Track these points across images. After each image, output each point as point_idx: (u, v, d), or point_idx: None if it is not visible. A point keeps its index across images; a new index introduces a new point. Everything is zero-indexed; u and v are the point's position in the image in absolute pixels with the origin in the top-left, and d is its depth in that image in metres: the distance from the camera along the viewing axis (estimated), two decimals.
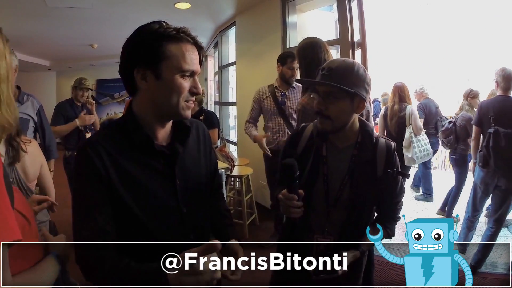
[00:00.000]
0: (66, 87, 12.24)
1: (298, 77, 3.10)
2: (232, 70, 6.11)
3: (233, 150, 5.71)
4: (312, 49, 2.09)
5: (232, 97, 6.22)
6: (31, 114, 2.53)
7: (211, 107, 7.19)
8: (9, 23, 5.47)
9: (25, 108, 2.50)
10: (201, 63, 1.02)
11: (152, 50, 0.94)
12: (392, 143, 1.37)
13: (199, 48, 1.00)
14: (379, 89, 7.05)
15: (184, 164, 1.05)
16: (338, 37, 3.61)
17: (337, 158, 1.35)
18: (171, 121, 1.05)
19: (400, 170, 1.35)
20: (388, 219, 1.39)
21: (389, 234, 1.36)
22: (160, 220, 0.98)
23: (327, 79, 1.24)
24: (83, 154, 0.93)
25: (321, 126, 1.31)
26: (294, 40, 4.19)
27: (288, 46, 4.12)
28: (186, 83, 0.96)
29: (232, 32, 5.72)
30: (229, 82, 6.40)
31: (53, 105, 3.48)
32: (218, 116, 6.05)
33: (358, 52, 3.45)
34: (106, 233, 0.90)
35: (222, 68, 6.17)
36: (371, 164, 1.33)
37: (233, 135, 6.52)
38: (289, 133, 3.05)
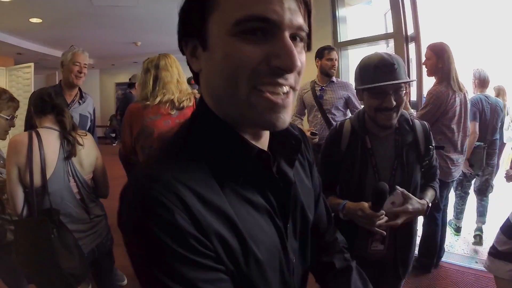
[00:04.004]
0: (110, 84, 12.64)
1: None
2: None
3: None
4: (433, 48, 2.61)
5: None
6: (90, 111, 2.62)
7: None
8: (55, 21, 5.60)
9: (87, 106, 2.59)
10: (310, 25, 0.56)
11: (198, 2, 0.53)
12: (426, 123, 1.45)
13: None
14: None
15: (295, 196, 0.66)
16: (392, 31, 3.47)
17: (381, 147, 1.39)
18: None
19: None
20: (431, 181, 1.51)
21: (436, 192, 1.48)
22: (272, 280, 0.58)
23: (398, 75, 1.27)
24: (154, 208, 0.46)
25: (385, 122, 1.31)
26: (345, 33, 4.02)
27: (339, 41, 3.90)
28: (252, 48, 0.48)
29: None
30: None
31: (98, 102, 3.44)
32: None
33: (411, 46, 3.35)
34: None
35: None
36: (414, 145, 1.39)
37: None
38: (327, 127, 3.03)
